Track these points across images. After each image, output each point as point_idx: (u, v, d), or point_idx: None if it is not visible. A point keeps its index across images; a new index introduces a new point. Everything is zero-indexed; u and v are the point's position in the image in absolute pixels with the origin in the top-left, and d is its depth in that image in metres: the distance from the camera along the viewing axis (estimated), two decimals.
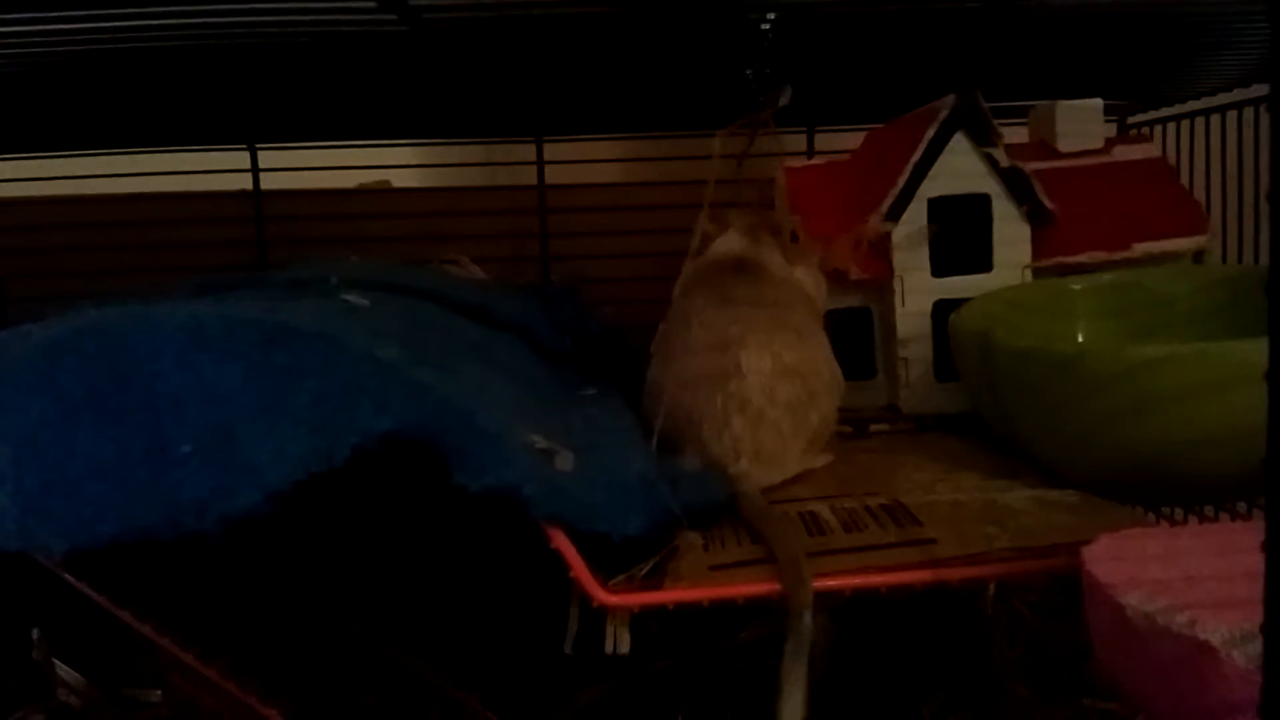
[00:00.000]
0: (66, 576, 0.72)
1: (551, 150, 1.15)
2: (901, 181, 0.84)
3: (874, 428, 0.87)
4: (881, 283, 0.86)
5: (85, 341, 0.52)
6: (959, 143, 0.83)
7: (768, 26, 0.72)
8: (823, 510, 0.65)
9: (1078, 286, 0.82)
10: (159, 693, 0.78)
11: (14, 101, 0.91)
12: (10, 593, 0.83)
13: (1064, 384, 0.63)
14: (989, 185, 0.84)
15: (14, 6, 0.59)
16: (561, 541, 0.55)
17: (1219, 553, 0.47)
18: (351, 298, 0.69)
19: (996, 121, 0.83)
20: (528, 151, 1.15)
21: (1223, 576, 0.44)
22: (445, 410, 0.52)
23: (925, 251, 0.85)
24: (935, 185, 0.84)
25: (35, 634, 0.78)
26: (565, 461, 0.60)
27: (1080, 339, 0.81)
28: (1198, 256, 0.87)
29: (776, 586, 0.56)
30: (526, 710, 0.74)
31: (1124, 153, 0.92)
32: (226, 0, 0.60)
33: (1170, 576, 0.44)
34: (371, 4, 0.61)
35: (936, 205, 0.84)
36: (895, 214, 0.84)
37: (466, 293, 0.84)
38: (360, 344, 0.53)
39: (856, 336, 0.88)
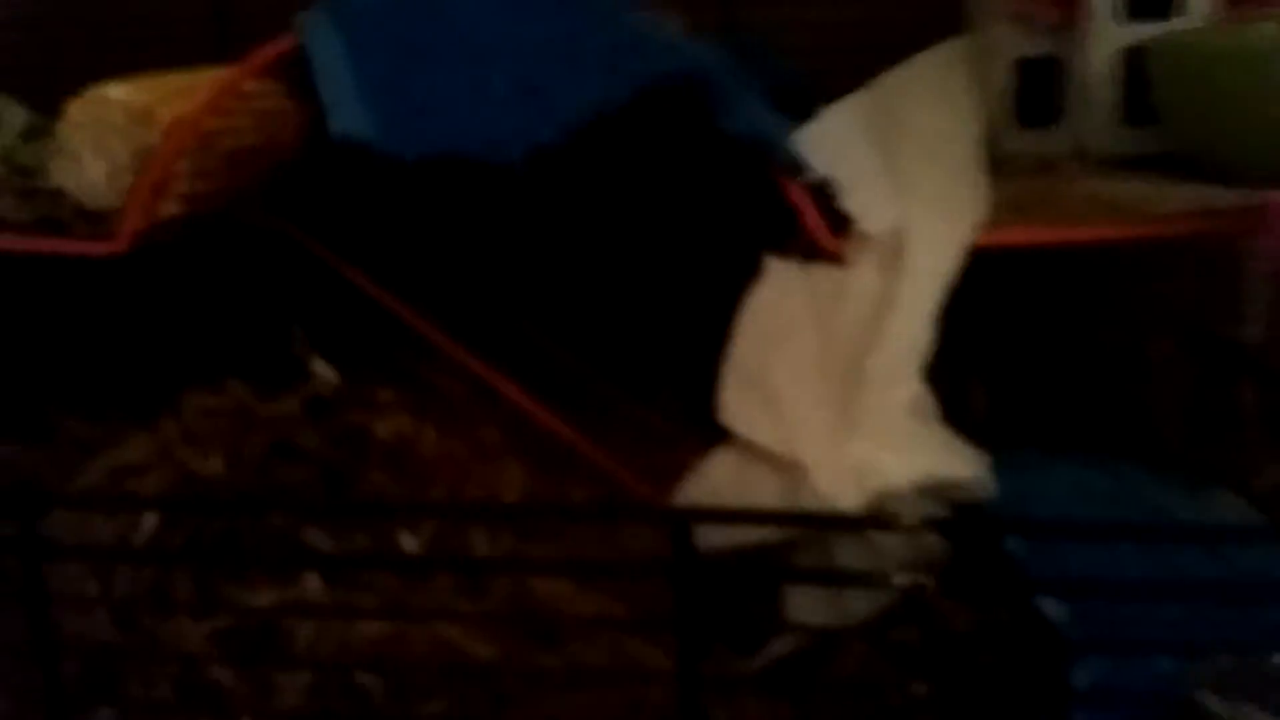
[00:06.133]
0: (335, 261, 0.82)
1: None
2: None
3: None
4: (1072, 26, 0.89)
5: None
6: None
7: None
8: None
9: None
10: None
11: None
12: (276, 292, 0.93)
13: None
14: None
15: None
16: (797, 194, 0.62)
17: None
18: None
19: None
20: None
21: None
22: (709, 67, 0.60)
23: None
24: None
25: (297, 331, 0.88)
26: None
27: None
28: None
29: None
30: None
31: None
32: None
33: None
34: None
35: None
36: None
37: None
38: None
39: (1043, 82, 0.91)
